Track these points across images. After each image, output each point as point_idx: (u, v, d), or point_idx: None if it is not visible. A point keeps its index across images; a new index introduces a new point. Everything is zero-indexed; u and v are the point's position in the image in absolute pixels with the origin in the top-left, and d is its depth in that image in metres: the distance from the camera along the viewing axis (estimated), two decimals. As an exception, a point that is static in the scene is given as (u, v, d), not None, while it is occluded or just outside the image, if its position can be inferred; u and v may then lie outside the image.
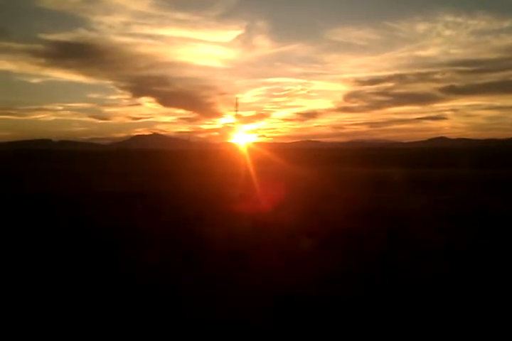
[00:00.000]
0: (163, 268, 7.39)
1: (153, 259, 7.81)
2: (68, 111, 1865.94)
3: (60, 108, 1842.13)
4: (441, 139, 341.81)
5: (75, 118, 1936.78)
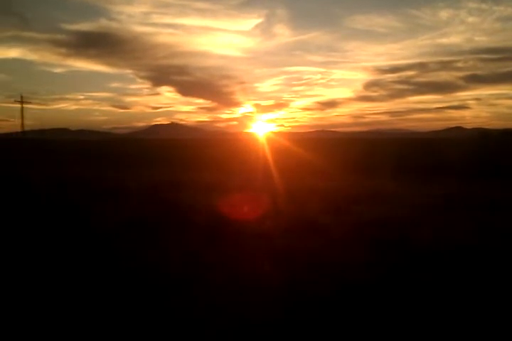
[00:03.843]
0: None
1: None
2: (90, 101, 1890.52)
3: (82, 97, 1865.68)
4: (458, 129, 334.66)
5: (96, 107, 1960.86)
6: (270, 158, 34.17)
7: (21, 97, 49.12)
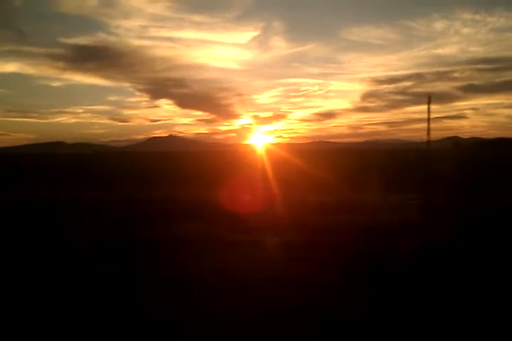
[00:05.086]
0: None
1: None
2: (89, 114, 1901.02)
3: (81, 111, 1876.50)
4: (454, 139, 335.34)
5: (95, 120, 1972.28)
6: (270, 170, 33.14)
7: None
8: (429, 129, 18.39)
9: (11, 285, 7.02)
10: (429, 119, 18.18)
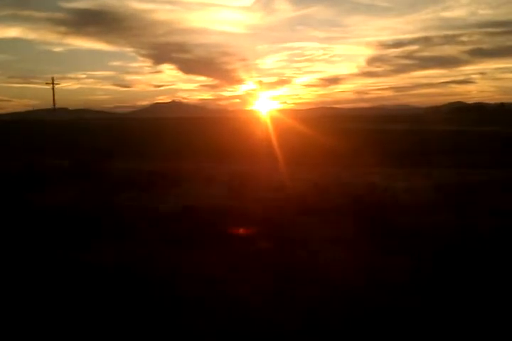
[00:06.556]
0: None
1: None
2: (92, 79, 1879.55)
3: (84, 76, 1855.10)
4: (458, 104, 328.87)
5: (98, 86, 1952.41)
6: (274, 136, 32.75)
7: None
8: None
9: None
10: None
